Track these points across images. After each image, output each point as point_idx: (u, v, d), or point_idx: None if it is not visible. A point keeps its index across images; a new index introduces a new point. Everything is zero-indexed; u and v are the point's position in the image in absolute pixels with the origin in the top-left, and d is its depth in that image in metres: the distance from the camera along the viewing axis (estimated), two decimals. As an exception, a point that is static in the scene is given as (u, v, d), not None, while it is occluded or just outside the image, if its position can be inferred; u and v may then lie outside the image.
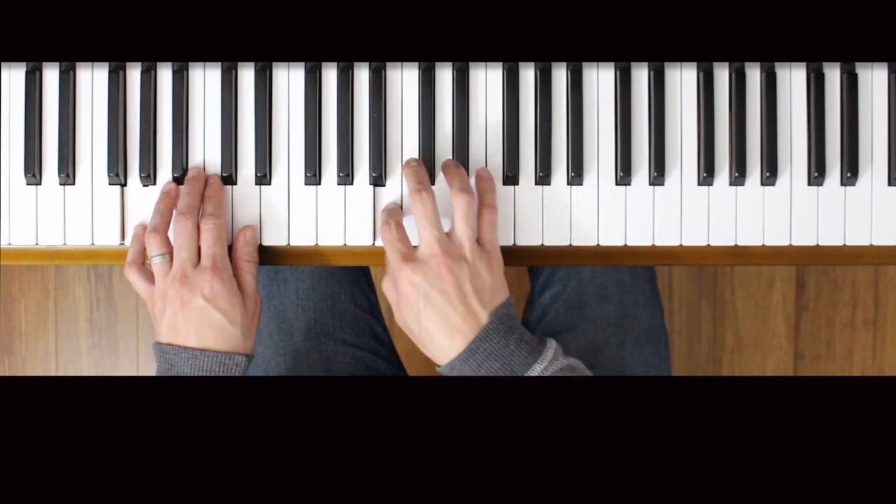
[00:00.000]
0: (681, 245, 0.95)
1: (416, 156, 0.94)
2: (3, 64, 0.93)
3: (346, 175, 0.93)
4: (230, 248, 0.92)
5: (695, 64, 0.95)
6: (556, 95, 0.94)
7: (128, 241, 0.93)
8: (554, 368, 0.86)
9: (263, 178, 0.93)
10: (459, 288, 0.85)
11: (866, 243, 0.95)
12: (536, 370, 0.85)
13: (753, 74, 0.95)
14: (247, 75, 0.94)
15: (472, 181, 0.92)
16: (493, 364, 0.85)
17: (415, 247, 0.89)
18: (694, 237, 0.95)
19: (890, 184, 0.95)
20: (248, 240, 0.92)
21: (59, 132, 0.93)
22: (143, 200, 0.93)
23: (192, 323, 0.87)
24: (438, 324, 0.86)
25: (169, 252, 0.89)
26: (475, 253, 0.87)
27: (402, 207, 0.94)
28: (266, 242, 0.94)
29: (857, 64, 0.95)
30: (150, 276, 0.90)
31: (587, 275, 1.13)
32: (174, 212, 0.91)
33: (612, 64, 0.94)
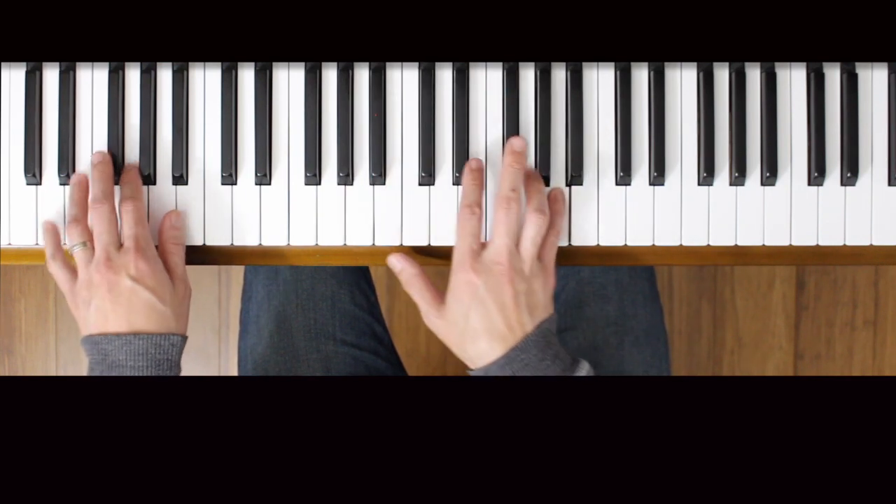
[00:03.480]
0: (681, 245, 0.95)
1: (417, 155, 0.94)
2: (3, 64, 0.93)
3: (346, 175, 0.93)
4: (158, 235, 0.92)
5: (695, 64, 0.95)
6: (556, 95, 0.94)
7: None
8: None
9: (263, 178, 0.93)
10: (515, 301, 0.87)
11: (866, 243, 0.95)
12: None
13: (753, 74, 0.95)
14: (247, 75, 0.94)
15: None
16: (528, 375, 0.86)
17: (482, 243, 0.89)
18: (694, 237, 0.95)
19: (890, 184, 0.95)
20: (173, 223, 0.92)
21: (59, 132, 0.93)
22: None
23: (121, 306, 0.87)
24: (485, 326, 0.87)
25: (89, 240, 0.89)
26: (534, 271, 0.89)
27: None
28: (266, 242, 0.94)
29: (857, 64, 0.95)
30: (73, 270, 0.90)
31: (586, 275, 1.13)
32: (89, 201, 0.90)
33: (612, 64, 0.94)
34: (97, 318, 0.87)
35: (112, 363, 0.87)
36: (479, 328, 0.87)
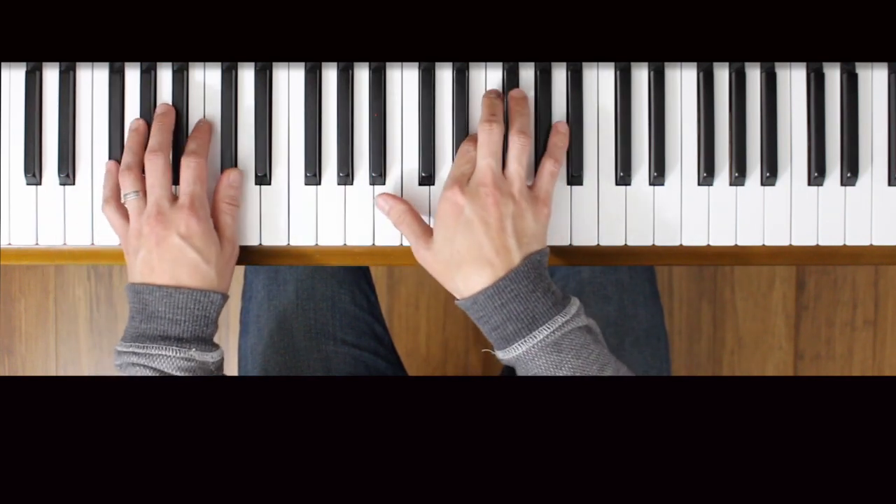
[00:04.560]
0: (681, 245, 0.95)
1: (417, 155, 0.94)
2: (3, 64, 0.93)
3: (346, 175, 0.93)
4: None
5: (695, 64, 0.95)
6: (556, 95, 0.94)
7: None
8: (573, 325, 0.86)
9: (263, 178, 0.93)
10: (500, 223, 0.86)
11: (866, 243, 0.95)
12: (557, 322, 0.85)
13: (753, 74, 0.95)
14: (247, 75, 0.94)
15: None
16: (517, 307, 0.85)
17: None
18: (694, 237, 0.95)
19: (890, 184, 0.95)
20: (231, 182, 0.91)
21: (59, 132, 0.93)
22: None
23: (166, 261, 0.87)
24: (471, 251, 0.86)
25: (142, 189, 0.89)
26: (523, 195, 0.88)
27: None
28: (266, 242, 0.94)
29: (857, 64, 0.95)
30: (126, 216, 0.90)
31: (587, 275, 1.13)
32: (146, 151, 0.90)
33: (612, 64, 0.94)
34: (142, 268, 0.88)
35: (151, 314, 0.87)
36: (464, 252, 0.86)
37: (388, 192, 0.92)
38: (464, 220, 0.86)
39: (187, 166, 0.89)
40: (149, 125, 0.92)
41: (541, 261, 0.87)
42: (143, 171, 0.90)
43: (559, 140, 0.92)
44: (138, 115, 0.93)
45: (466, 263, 0.86)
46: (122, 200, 0.90)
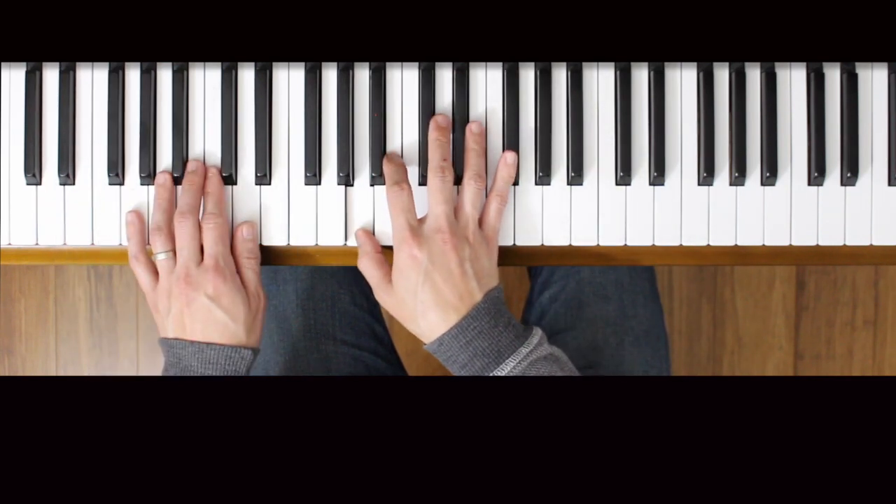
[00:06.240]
0: (681, 245, 0.95)
1: (417, 155, 0.94)
2: (3, 64, 0.93)
3: (346, 175, 0.93)
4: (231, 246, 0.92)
5: (695, 64, 0.95)
6: (556, 95, 0.94)
7: (125, 241, 0.93)
8: (537, 354, 0.88)
9: (263, 178, 0.93)
10: (461, 268, 0.87)
11: (866, 243, 0.95)
12: (521, 353, 0.87)
13: (753, 74, 0.95)
14: (247, 75, 0.94)
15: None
16: (482, 343, 0.86)
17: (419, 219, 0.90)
18: (694, 237, 0.95)
19: (890, 184, 0.95)
20: (245, 236, 0.92)
21: (59, 132, 0.93)
22: (143, 200, 0.93)
23: (197, 321, 0.89)
24: (435, 300, 0.87)
25: (173, 249, 0.91)
26: (477, 236, 0.89)
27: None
28: (266, 242, 0.94)
29: (857, 64, 0.95)
30: (154, 270, 0.92)
31: (586, 275, 1.13)
32: (176, 212, 0.91)
33: (612, 64, 0.94)
34: (174, 325, 0.90)
35: (185, 367, 0.89)
36: (428, 301, 0.87)
37: (364, 230, 0.93)
38: (425, 271, 0.87)
39: (208, 228, 0.90)
40: (171, 176, 0.92)
41: (498, 296, 0.89)
42: (171, 229, 0.91)
43: (506, 173, 0.92)
44: (138, 115, 0.93)
45: (430, 310, 0.87)
46: (153, 256, 0.91)
